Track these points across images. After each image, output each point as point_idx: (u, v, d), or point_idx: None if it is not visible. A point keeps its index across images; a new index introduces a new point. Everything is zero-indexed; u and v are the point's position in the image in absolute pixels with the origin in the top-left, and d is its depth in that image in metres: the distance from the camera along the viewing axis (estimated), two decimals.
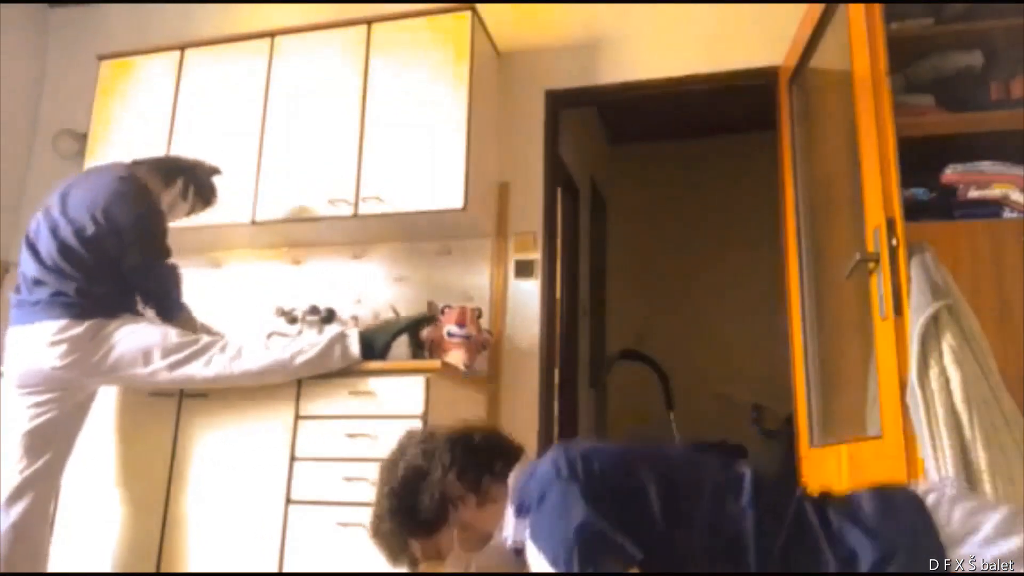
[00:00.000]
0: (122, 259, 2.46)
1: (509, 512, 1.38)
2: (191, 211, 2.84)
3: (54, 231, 2.46)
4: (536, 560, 1.23)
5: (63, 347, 2.37)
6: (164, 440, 2.65)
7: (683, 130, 5.11)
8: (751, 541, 1.20)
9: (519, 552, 1.34)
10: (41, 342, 2.38)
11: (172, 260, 2.58)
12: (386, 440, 2.42)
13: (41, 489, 2.41)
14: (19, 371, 2.44)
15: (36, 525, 2.40)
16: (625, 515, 1.21)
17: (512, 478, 1.43)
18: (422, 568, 1.47)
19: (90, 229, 2.42)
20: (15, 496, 2.36)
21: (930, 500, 1.24)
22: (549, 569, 1.19)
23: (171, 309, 2.56)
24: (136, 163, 2.69)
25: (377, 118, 3.02)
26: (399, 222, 3.02)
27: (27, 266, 2.48)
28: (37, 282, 2.44)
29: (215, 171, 2.87)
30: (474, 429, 1.54)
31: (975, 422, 1.68)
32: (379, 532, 1.46)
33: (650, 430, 4.59)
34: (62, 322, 2.38)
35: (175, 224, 3.13)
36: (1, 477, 2.39)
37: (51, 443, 2.43)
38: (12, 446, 2.41)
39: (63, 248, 2.43)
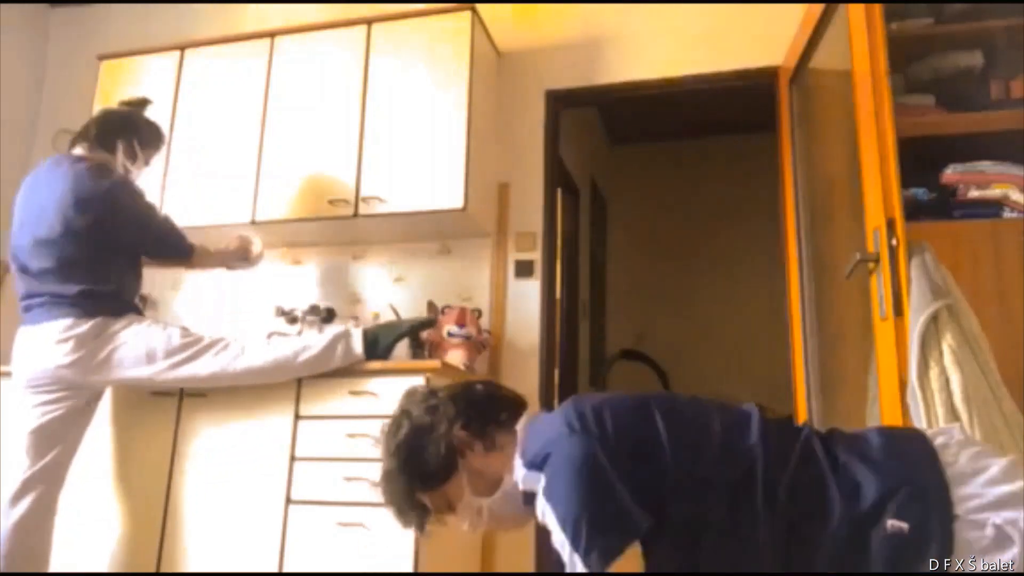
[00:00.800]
0: (124, 241, 2.51)
1: (518, 462, 1.39)
2: (147, 162, 2.77)
3: (35, 244, 2.45)
4: (546, 515, 1.27)
5: (69, 344, 2.38)
6: (164, 439, 2.65)
7: (683, 130, 5.12)
8: (759, 475, 1.24)
9: (530, 496, 1.36)
10: (48, 341, 2.39)
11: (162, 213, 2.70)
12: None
13: (46, 488, 2.40)
14: (27, 370, 2.44)
15: (39, 524, 2.39)
16: (637, 468, 1.25)
17: (520, 428, 1.45)
18: (433, 519, 1.47)
19: (71, 228, 2.41)
20: (19, 494, 2.36)
21: (939, 441, 1.28)
22: (557, 526, 1.23)
23: (184, 251, 2.66)
24: (75, 142, 2.65)
25: (377, 118, 3.02)
26: (399, 222, 3.02)
27: (23, 283, 2.48)
28: (36, 294, 2.45)
29: (144, 103, 2.81)
30: (475, 382, 1.56)
31: (975, 422, 1.68)
32: (387, 490, 1.46)
33: None
34: (67, 321, 2.40)
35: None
36: (6, 476, 2.39)
37: (57, 442, 2.43)
38: (18, 445, 2.41)
39: (53, 258, 2.43)
